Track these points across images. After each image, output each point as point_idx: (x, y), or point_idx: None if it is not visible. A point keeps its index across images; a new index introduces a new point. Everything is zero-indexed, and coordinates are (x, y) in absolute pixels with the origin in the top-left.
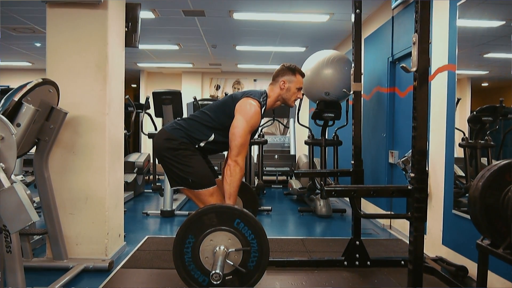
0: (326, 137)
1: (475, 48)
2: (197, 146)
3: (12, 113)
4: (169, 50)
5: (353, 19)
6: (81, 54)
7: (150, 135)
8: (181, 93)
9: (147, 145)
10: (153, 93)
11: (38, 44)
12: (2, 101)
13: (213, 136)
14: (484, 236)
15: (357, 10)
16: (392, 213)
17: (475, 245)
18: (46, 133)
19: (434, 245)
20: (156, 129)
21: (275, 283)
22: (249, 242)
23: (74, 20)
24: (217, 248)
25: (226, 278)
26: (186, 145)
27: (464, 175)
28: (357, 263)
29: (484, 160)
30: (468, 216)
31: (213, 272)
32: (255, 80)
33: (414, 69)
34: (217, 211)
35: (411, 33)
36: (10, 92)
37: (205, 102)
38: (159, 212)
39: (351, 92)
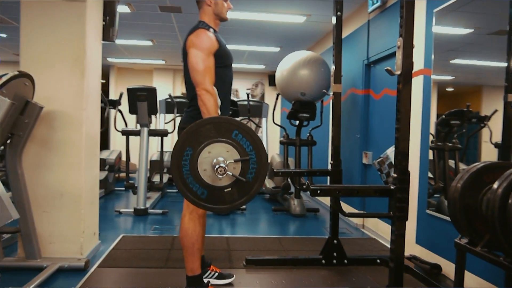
0: (301, 137)
1: (444, 53)
2: None
3: None
4: (142, 46)
5: (334, 21)
6: (57, 47)
7: (124, 132)
8: (156, 90)
9: (116, 142)
10: (128, 89)
11: (4, 35)
12: None
13: (218, 99)
14: (463, 235)
15: (338, 13)
16: (369, 212)
17: (448, 244)
18: (20, 127)
19: (408, 244)
20: (126, 125)
21: (256, 282)
22: (248, 153)
23: (50, 11)
24: (216, 159)
25: (225, 190)
26: None
27: (432, 176)
28: (334, 261)
29: (451, 163)
30: (442, 216)
31: (218, 166)
32: None
33: (399, 72)
34: (215, 121)
35: (387, 37)
36: None
37: (181, 100)
38: (133, 210)
39: (331, 93)
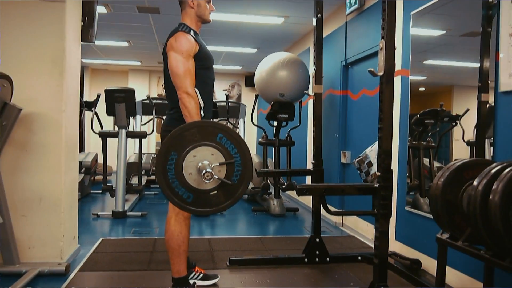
0: (280, 138)
1: (417, 55)
2: None
3: None
4: (118, 46)
5: (314, 23)
6: (36, 48)
7: (101, 134)
8: (134, 91)
9: (91, 144)
10: (106, 91)
11: None
12: None
13: (201, 100)
14: (444, 231)
15: (319, 15)
16: (353, 210)
17: (427, 240)
18: None
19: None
20: (102, 127)
21: (240, 282)
22: (232, 156)
23: (29, 11)
24: (201, 163)
25: (211, 193)
26: None
27: (407, 174)
28: (317, 259)
29: (425, 161)
30: (421, 213)
31: (204, 171)
32: None
33: (381, 73)
34: (199, 125)
35: (365, 38)
36: None
37: (159, 102)
38: (111, 213)
39: (313, 94)
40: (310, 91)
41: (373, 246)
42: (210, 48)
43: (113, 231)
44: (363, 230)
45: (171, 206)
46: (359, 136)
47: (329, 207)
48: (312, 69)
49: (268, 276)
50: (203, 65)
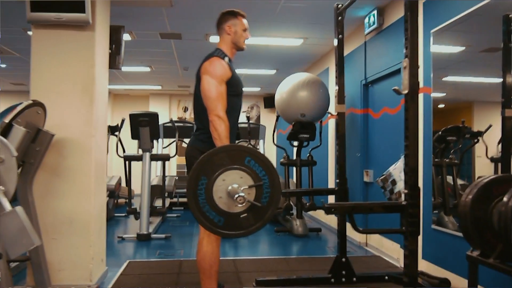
0: (301, 158)
1: (436, 71)
2: None
3: (2, 135)
4: (140, 72)
5: (335, 43)
6: (67, 75)
7: (126, 158)
8: (158, 115)
9: (113, 167)
10: (130, 115)
11: (3, 66)
12: None
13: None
14: (474, 248)
15: (340, 35)
16: (382, 228)
17: (455, 258)
18: (32, 155)
19: None
20: (124, 151)
21: None
22: (261, 178)
23: (60, 41)
24: (231, 187)
25: (241, 216)
26: None
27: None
28: (343, 279)
29: (448, 179)
30: (448, 231)
31: (237, 195)
32: None
33: (406, 91)
34: (227, 150)
35: (384, 57)
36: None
37: (180, 125)
38: (135, 236)
39: (335, 113)
40: (333, 110)
41: (399, 265)
42: None
43: (139, 253)
44: (388, 249)
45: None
46: (381, 154)
47: (350, 226)
48: (334, 88)
49: None
50: (234, 91)
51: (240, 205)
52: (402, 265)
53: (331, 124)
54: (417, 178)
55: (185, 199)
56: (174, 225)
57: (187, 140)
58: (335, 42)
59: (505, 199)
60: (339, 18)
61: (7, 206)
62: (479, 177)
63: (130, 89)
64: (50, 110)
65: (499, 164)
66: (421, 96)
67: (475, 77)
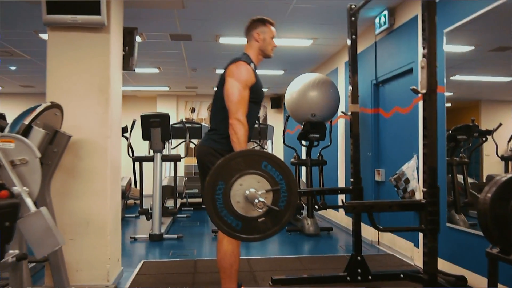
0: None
1: (446, 71)
2: None
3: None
4: (148, 73)
5: (349, 43)
6: (83, 77)
7: (137, 159)
8: (169, 116)
9: (122, 169)
10: (141, 116)
11: (13, 68)
12: (9, 125)
13: None
14: (494, 245)
15: (353, 36)
16: (401, 226)
17: (470, 255)
18: (49, 156)
19: None
20: (133, 153)
21: None
22: (278, 182)
23: (75, 43)
24: (248, 191)
25: (259, 220)
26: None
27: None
28: (359, 278)
29: (459, 177)
30: (463, 228)
31: (257, 201)
32: None
33: (424, 91)
34: (244, 154)
35: (395, 57)
36: (18, 115)
37: (188, 125)
38: (148, 236)
39: (349, 113)
40: (347, 110)
41: (413, 263)
42: None
43: (152, 253)
44: (401, 248)
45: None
46: (392, 153)
47: (362, 224)
48: (346, 89)
49: None
50: (255, 98)
51: (260, 210)
52: (416, 263)
53: (341, 124)
54: (436, 176)
55: (194, 200)
56: (185, 225)
57: (195, 141)
58: (348, 42)
59: None
60: (352, 18)
61: (32, 207)
62: (488, 175)
63: (138, 90)
64: (66, 112)
65: (510, 162)
66: None
67: (483, 76)
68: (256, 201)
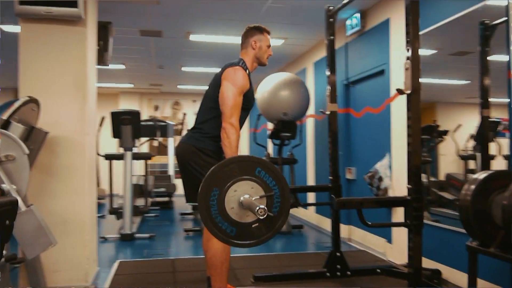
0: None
1: None
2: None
3: None
4: (113, 69)
5: (327, 44)
6: (59, 72)
7: (107, 157)
8: (140, 113)
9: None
10: (112, 113)
11: None
12: None
13: None
14: (474, 239)
15: (331, 37)
16: (387, 222)
17: (444, 250)
18: None
19: (401, 253)
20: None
21: None
22: (271, 188)
23: (51, 36)
24: (243, 197)
25: (253, 226)
26: (214, 154)
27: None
28: (338, 273)
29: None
30: (437, 224)
31: (258, 207)
32: (194, 101)
33: (409, 91)
34: (238, 160)
35: (366, 59)
36: None
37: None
38: (118, 236)
39: (327, 112)
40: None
41: (386, 259)
42: (206, 69)
43: (125, 253)
44: (373, 244)
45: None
46: (364, 152)
47: (329, 221)
48: (316, 89)
49: None
50: (245, 105)
51: (262, 217)
52: (389, 259)
53: (310, 123)
54: (420, 173)
55: (162, 199)
56: (155, 224)
57: (160, 139)
58: (326, 43)
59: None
60: (331, 20)
61: (22, 205)
62: (447, 174)
63: (100, 86)
64: (42, 108)
65: (468, 161)
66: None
67: (440, 79)
68: (257, 208)
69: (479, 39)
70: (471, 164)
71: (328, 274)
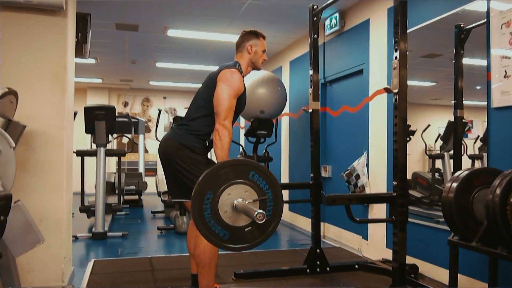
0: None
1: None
2: (207, 143)
3: None
4: (83, 63)
5: (311, 43)
6: (37, 63)
7: (78, 153)
8: (115, 109)
9: None
10: (85, 108)
11: None
12: None
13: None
14: (456, 233)
15: (315, 35)
16: (373, 218)
17: (419, 245)
18: None
19: (377, 249)
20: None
21: None
22: (265, 192)
23: (30, 26)
24: (236, 201)
25: (246, 230)
26: (200, 151)
27: None
28: (318, 270)
29: None
30: (413, 220)
31: (257, 212)
32: (165, 98)
33: (396, 90)
34: (232, 164)
35: (344, 59)
36: None
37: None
38: (90, 234)
39: (310, 110)
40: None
41: (361, 255)
42: (179, 66)
43: (98, 252)
44: (347, 241)
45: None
46: (340, 150)
47: (305, 219)
48: (292, 87)
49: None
50: (237, 108)
51: (260, 222)
52: (364, 255)
53: (285, 121)
54: (405, 171)
55: (131, 197)
56: (126, 223)
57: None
58: (310, 41)
59: (493, 188)
60: (315, 18)
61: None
62: (414, 173)
63: None
64: (19, 100)
65: (436, 160)
66: (384, 96)
67: (411, 81)
68: (256, 213)
69: (454, 42)
70: (438, 163)
71: (308, 270)
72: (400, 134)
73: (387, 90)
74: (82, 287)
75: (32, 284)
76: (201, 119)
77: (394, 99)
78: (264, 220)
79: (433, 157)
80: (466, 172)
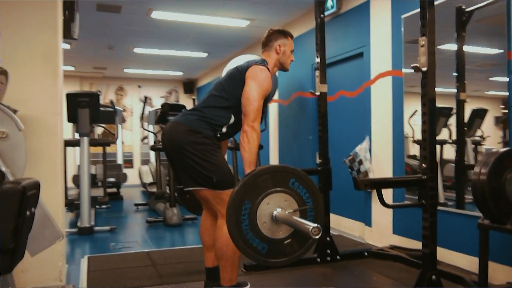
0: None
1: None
2: (218, 134)
3: None
4: None
5: (317, 23)
6: (27, 44)
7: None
8: (99, 96)
9: None
10: (67, 95)
11: None
12: None
13: (232, 118)
14: (487, 216)
15: (322, 15)
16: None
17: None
18: None
19: (382, 236)
20: None
21: (268, 284)
22: (305, 201)
23: (18, 4)
24: (276, 211)
25: (285, 242)
26: (211, 138)
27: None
28: (328, 258)
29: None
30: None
31: (311, 227)
32: (139, 87)
33: (424, 69)
34: (271, 171)
35: (342, 41)
36: None
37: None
38: (76, 229)
39: (318, 93)
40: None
41: (364, 242)
42: (159, 52)
43: (88, 248)
44: (348, 228)
45: (220, 212)
46: (337, 136)
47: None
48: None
49: (289, 278)
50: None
51: (316, 237)
52: (368, 242)
53: (273, 108)
54: (435, 152)
55: (110, 190)
56: (110, 216)
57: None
58: (317, 22)
59: None
60: None
61: None
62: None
63: None
64: (9, 82)
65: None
66: (388, 79)
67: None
68: (311, 227)
69: (456, 25)
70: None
71: (318, 259)
72: (429, 115)
73: (415, 68)
74: (82, 286)
75: (28, 285)
76: (218, 109)
77: (422, 78)
78: (319, 235)
79: (419, 143)
80: (498, 153)
